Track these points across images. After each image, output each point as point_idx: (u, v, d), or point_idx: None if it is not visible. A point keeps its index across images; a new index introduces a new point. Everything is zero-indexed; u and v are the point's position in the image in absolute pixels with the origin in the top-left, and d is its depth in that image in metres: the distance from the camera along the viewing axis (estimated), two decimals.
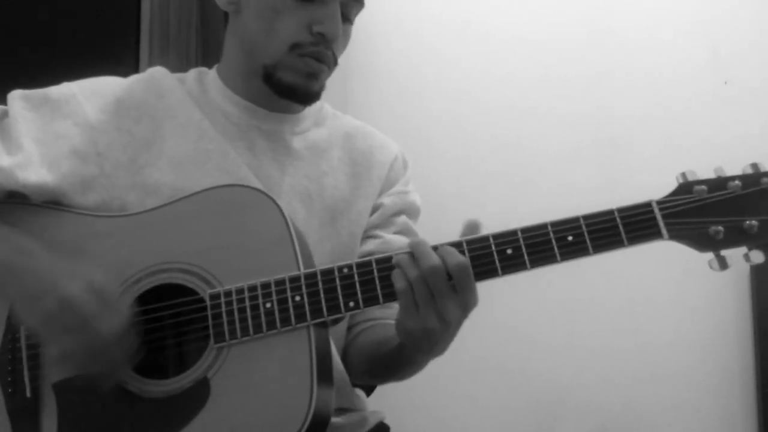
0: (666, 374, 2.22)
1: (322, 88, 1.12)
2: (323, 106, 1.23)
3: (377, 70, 2.25)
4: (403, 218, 1.22)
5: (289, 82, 1.09)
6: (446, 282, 0.91)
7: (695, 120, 2.28)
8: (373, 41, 2.21)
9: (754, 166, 0.92)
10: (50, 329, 0.91)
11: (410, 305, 0.92)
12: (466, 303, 0.92)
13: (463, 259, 0.91)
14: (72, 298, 0.89)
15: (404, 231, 1.22)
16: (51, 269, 0.92)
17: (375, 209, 1.21)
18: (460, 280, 0.91)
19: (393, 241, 1.19)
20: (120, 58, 2.23)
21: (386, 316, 1.18)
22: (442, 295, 0.91)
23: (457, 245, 0.93)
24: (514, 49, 2.30)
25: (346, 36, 1.13)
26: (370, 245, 1.18)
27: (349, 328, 1.21)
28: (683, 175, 0.94)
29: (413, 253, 0.92)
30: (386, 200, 1.21)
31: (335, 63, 1.12)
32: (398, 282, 0.92)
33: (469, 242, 0.93)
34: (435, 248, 0.92)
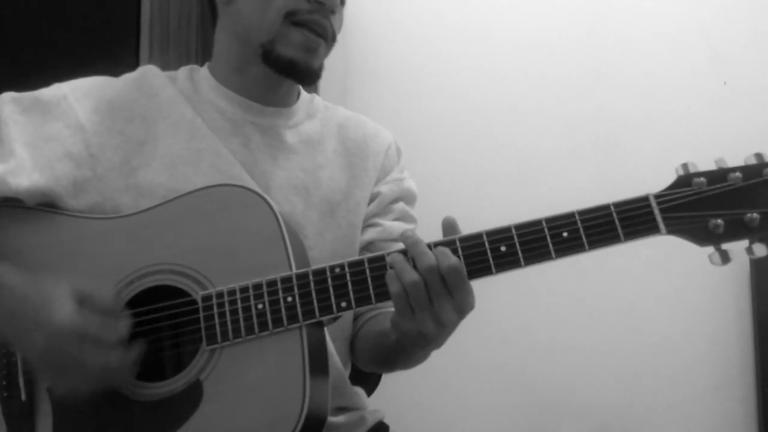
0: (666, 374, 2.22)
1: (321, 66, 1.12)
2: (314, 97, 1.23)
3: (377, 69, 2.25)
4: (401, 204, 1.23)
5: (289, 56, 1.08)
6: (442, 284, 0.89)
7: (695, 120, 2.27)
8: (373, 41, 2.21)
9: (758, 156, 0.89)
10: (47, 365, 0.91)
11: (405, 308, 0.91)
12: (462, 305, 0.91)
13: (455, 261, 0.89)
14: (62, 328, 0.87)
15: (402, 217, 1.22)
16: (31, 296, 0.90)
17: (372, 198, 1.21)
18: (453, 282, 0.89)
19: (392, 227, 1.19)
20: (120, 57, 2.23)
21: (389, 305, 1.18)
22: (438, 297, 0.90)
23: (450, 243, 0.92)
24: (514, 49, 2.30)
25: (340, 19, 1.13)
26: (371, 234, 1.19)
27: (356, 318, 1.21)
28: (684, 166, 0.91)
29: (409, 253, 0.91)
30: (383, 188, 1.21)
31: (333, 39, 1.12)
32: (392, 285, 0.91)
33: (462, 240, 0.92)
34: (429, 248, 0.91)
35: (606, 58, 2.30)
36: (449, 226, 0.94)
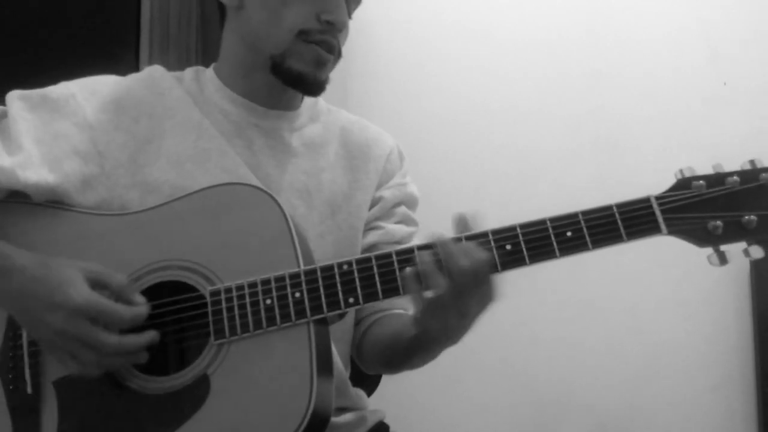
0: (666, 374, 2.22)
1: (327, 79, 1.13)
2: (317, 101, 1.24)
3: (377, 70, 2.26)
4: (402, 208, 1.24)
5: (298, 70, 1.09)
6: (471, 280, 0.90)
7: (694, 120, 2.28)
8: (373, 41, 2.21)
9: (752, 162, 0.92)
10: (60, 346, 0.92)
11: (430, 306, 0.92)
12: (487, 299, 0.93)
13: (485, 255, 0.90)
14: (77, 309, 0.90)
15: (404, 220, 1.23)
16: (44, 277, 0.92)
17: (375, 202, 1.21)
18: (481, 276, 0.90)
19: (395, 230, 1.20)
20: (120, 57, 2.24)
21: (393, 306, 1.20)
22: (464, 294, 0.91)
23: (456, 241, 0.93)
24: (514, 49, 2.31)
25: (347, 30, 1.14)
26: (373, 236, 1.19)
27: (358, 322, 1.21)
28: (681, 171, 0.93)
29: (438, 254, 0.91)
30: (386, 193, 1.22)
31: (340, 54, 1.13)
32: (410, 286, 0.92)
33: (468, 238, 0.93)
34: (493, 240, 0.92)
35: (606, 58, 2.31)
36: (461, 222, 0.95)
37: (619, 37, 2.32)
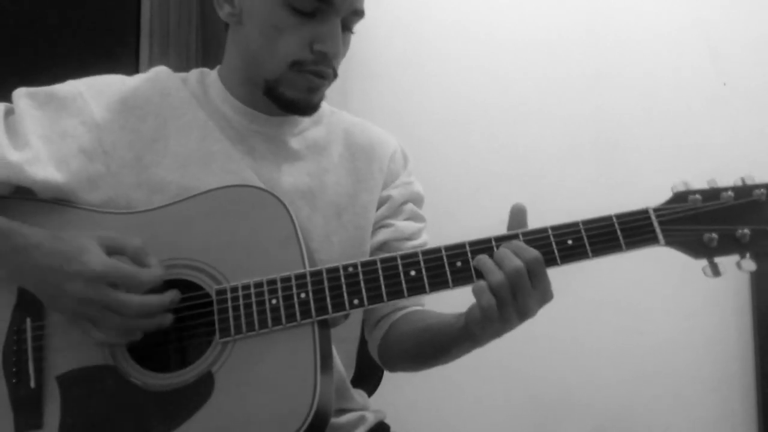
0: (666, 374, 2.22)
1: (322, 98, 1.14)
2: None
3: (377, 70, 2.26)
4: (410, 206, 1.25)
5: (290, 97, 1.10)
6: (528, 280, 0.93)
7: (694, 121, 2.28)
8: (373, 41, 2.21)
9: (743, 179, 0.96)
10: (85, 314, 0.94)
11: (492, 310, 0.94)
12: (544, 297, 0.96)
13: (537, 253, 0.93)
14: (97, 274, 0.92)
15: (413, 217, 1.25)
16: (59, 250, 0.94)
17: (382, 202, 1.22)
18: (537, 274, 0.93)
19: (404, 227, 1.22)
20: (120, 58, 2.24)
21: (412, 302, 1.21)
22: (524, 294, 0.93)
23: (459, 247, 0.96)
24: (514, 49, 2.31)
25: (346, 45, 1.13)
26: (384, 234, 1.21)
27: (377, 322, 1.22)
28: (677, 185, 0.97)
29: (494, 257, 0.94)
30: (393, 192, 1.23)
31: (335, 76, 1.13)
32: (483, 299, 0.93)
33: (472, 244, 0.96)
34: (497, 246, 0.95)
35: (606, 58, 2.31)
36: (518, 213, 0.98)
37: (619, 37, 2.32)
